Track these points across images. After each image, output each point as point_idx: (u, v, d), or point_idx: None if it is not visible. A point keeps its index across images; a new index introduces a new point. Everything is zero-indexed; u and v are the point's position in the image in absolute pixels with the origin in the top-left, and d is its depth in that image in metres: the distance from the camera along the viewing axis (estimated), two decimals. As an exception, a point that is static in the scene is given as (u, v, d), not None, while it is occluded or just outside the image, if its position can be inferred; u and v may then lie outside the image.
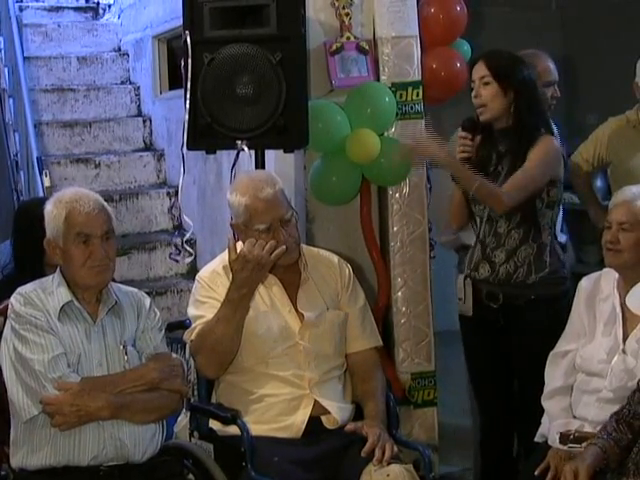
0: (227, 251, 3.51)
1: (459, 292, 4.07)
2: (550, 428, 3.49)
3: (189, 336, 3.56)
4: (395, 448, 3.36)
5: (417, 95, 4.54)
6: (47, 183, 5.88)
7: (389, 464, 3.29)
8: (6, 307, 3.23)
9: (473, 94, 3.95)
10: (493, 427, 4.23)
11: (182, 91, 4.02)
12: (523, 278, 3.93)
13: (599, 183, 5.21)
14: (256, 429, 3.43)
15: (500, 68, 3.91)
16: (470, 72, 4.01)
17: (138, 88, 7.34)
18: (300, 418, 3.47)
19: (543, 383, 3.63)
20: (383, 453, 3.31)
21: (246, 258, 3.39)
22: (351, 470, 3.34)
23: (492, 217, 3.95)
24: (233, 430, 3.41)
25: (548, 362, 3.64)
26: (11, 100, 6.61)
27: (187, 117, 3.95)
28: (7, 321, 3.16)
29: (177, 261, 4.79)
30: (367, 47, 4.48)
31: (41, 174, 5.90)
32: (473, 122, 3.96)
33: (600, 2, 5.94)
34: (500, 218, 3.93)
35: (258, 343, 3.51)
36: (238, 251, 3.44)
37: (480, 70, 3.93)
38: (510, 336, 4.01)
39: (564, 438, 3.33)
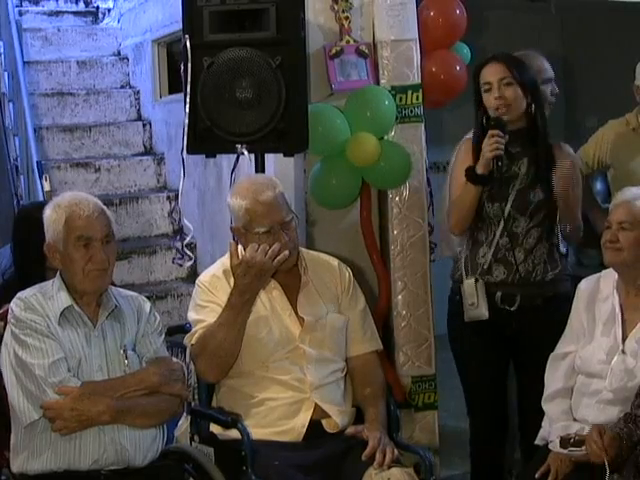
0: (228, 255, 3.51)
1: (469, 297, 3.97)
2: (550, 431, 3.49)
3: (189, 340, 3.56)
4: (396, 451, 3.36)
5: (417, 98, 4.54)
6: (47, 187, 5.88)
7: (390, 468, 3.29)
8: (6, 312, 3.23)
9: (494, 95, 3.88)
10: (486, 434, 4.21)
11: (182, 95, 4.02)
12: (542, 276, 3.94)
13: (599, 186, 5.21)
14: (257, 433, 3.43)
15: (519, 68, 3.91)
16: (477, 76, 3.97)
17: (138, 92, 7.34)
18: (301, 422, 3.47)
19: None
20: (384, 457, 3.30)
21: (249, 264, 3.39)
22: (352, 474, 3.34)
23: (511, 215, 3.93)
24: (234, 434, 3.40)
25: (548, 364, 3.64)
26: (11, 104, 6.61)
27: (187, 121, 3.95)
28: (7, 326, 3.16)
29: (181, 265, 4.79)
30: (367, 50, 4.47)
31: (41, 178, 5.90)
32: (500, 120, 3.89)
33: (599, 5, 5.94)
34: (520, 217, 3.93)
35: (259, 347, 3.51)
36: (240, 256, 3.44)
37: (500, 71, 3.89)
38: (517, 340, 4.01)
39: (564, 442, 3.33)
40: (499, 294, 3.97)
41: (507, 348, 4.06)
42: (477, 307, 3.96)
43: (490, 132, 3.86)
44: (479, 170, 3.88)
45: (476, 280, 3.98)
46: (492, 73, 3.91)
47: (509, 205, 3.92)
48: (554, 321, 3.86)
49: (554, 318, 3.88)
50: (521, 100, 3.90)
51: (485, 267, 3.98)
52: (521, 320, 3.96)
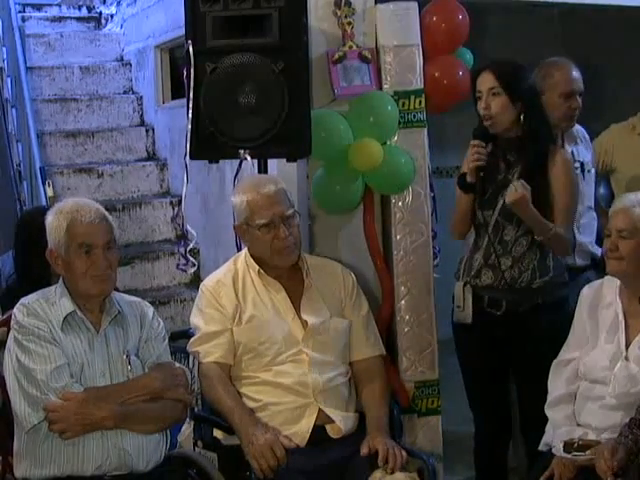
0: (234, 260, 3.53)
1: (457, 300, 4.05)
2: (554, 436, 3.49)
3: (192, 347, 3.57)
4: (404, 452, 3.36)
5: (419, 103, 4.53)
6: (50, 193, 5.90)
7: (394, 473, 3.29)
8: (9, 317, 3.23)
9: (481, 105, 3.91)
10: (488, 437, 4.21)
11: (185, 100, 4.02)
12: (528, 283, 3.93)
13: (602, 190, 5.20)
14: (260, 439, 3.42)
15: (509, 78, 3.90)
16: (474, 82, 3.99)
17: (141, 98, 7.35)
18: (304, 427, 3.47)
19: (546, 391, 3.62)
20: (395, 459, 3.31)
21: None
22: (355, 479, 3.34)
23: (499, 223, 3.94)
24: (237, 439, 3.40)
25: (551, 371, 3.63)
26: (14, 110, 6.62)
27: (190, 126, 3.95)
28: (10, 332, 3.16)
29: (185, 271, 4.79)
30: (369, 56, 4.46)
31: (44, 184, 5.92)
32: (485, 130, 3.93)
33: (602, 10, 5.94)
34: (509, 225, 3.93)
35: (262, 350, 3.52)
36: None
37: (488, 81, 3.91)
38: (510, 345, 4.00)
39: (568, 446, 3.32)
40: (486, 298, 3.99)
41: (500, 352, 4.06)
42: (462, 310, 4.02)
43: (471, 142, 3.93)
44: (468, 178, 3.94)
45: (465, 284, 4.02)
46: (482, 82, 3.93)
47: (496, 213, 3.93)
48: (542, 328, 3.87)
49: (542, 325, 3.89)
50: (508, 110, 3.89)
51: (475, 271, 4.01)
52: (508, 325, 3.96)
